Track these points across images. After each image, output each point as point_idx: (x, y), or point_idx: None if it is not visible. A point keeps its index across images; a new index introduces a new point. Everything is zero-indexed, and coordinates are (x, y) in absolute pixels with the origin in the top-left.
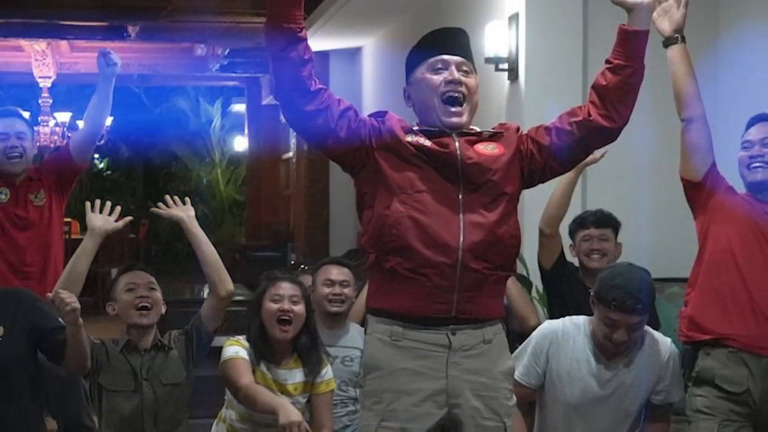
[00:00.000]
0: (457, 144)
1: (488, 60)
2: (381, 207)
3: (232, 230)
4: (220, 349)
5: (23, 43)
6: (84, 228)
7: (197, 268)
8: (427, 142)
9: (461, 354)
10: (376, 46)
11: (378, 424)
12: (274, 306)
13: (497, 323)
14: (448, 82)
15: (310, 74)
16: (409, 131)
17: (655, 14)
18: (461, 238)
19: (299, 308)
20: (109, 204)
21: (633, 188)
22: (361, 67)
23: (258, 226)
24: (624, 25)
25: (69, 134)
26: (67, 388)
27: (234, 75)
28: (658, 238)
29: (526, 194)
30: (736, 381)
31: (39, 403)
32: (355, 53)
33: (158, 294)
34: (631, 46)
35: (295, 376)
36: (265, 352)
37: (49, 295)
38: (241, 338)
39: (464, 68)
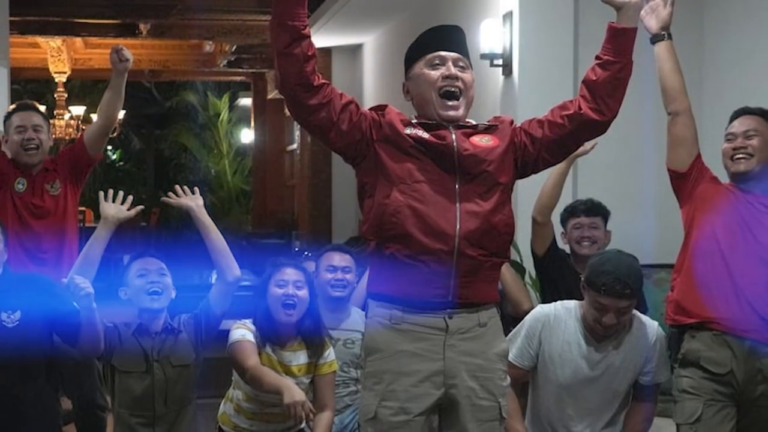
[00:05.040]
0: (453, 136)
1: (483, 56)
2: (381, 196)
3: (239, 218)
4: (227, 332)
5: (39, 40)
6: (97, 216)
7: (206, 255)
8: (425, 135)
9: (458, 337)
10: (376, 42)
11: (378, 403)
12: (279, 291)
13: (492, 307)
14: (445, 77)
15: (314, 70)
16: (408, 124)
17: (642, 12)
18: (458, 226)
19: (303, 293)
20: (121, 193)
21: (622, 178)
22: (362, 63)
23: (264, 214)
24: (613, 22)
25: (83, 127)
26: (82, 370)
27: (241, 70)
28: (645, 226)
29: (520, 184)
30: (720, 362)
31: (55, 384)
32: (356, 50)
33: (168, 279)
34: (619, 42)
35: (299, 357)
36: (270, 335)
37: (65, 280)
38: (248, 322)
39: (460, 64)
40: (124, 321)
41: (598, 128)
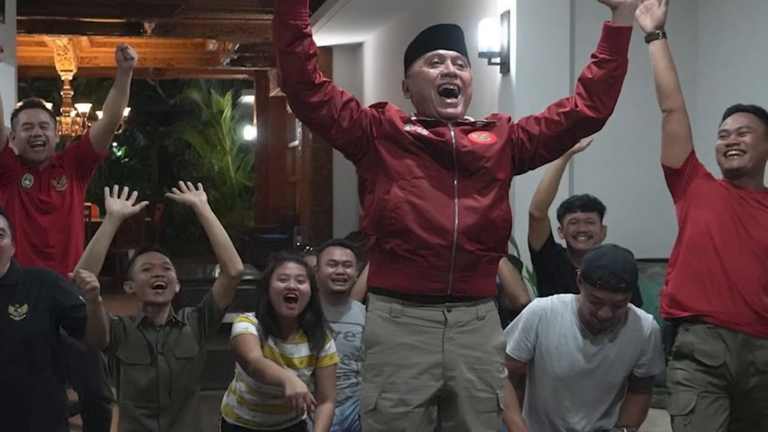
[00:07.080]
0: (452, 133)
1: (481, 54)
2: (381, 192)
3: (242, 214)
4: (230, 326)
5: (46, 38)
6: (103, 212)
7: (209, 250)
8: (425, 132)
9: (456, 330)
10: (376, 41)
11: (378, 395)
12: (281, 285)
13: (490, 301)
14: (444, 75)
15: (315, 68)
16: (407, 121)
17: (637, 12)
18: (456, 222)
19: (305, 287)
20: (126, 189)
21: (617, 174)
22: (362, 61)
23: (266, 210)
24: (609, 22)
25: (89, 124)
26: (88, 362)
27: (243, 68)
28: (640, 221)
29: (517, 180)
30: (713, 355)
31: (61, 376)
32: (357, 48)
33: (172, 273)
34: (615, 41)
35: (300, 350)
36: (272, 327)
37: (71, 274)
38: (250, 315)
39: (459, 62)
40: (129, 314)
41: (594, 125)
